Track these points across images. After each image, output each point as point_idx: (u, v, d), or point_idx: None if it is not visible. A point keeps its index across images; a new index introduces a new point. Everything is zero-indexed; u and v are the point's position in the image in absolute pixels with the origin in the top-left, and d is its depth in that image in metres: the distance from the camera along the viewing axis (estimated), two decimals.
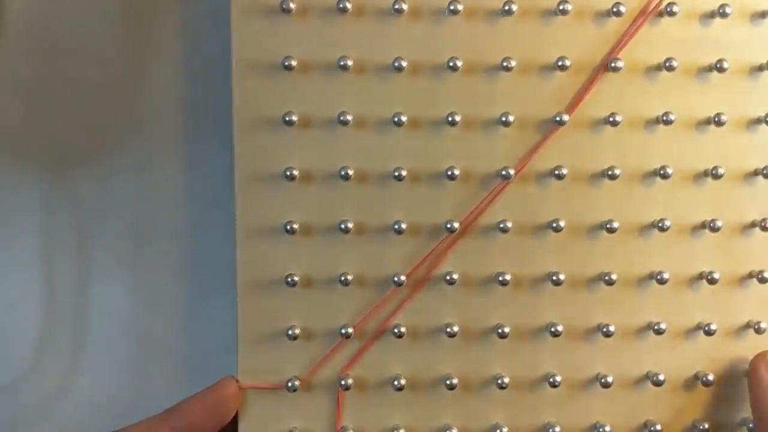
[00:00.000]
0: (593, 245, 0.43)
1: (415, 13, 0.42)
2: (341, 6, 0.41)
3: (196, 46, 0.46)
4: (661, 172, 0.43)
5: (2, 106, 0.46)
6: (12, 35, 0.46)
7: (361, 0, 0.41)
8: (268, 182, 0.42)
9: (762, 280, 0.43)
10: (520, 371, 0.43)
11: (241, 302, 0.42)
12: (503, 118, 0.42)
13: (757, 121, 0.43)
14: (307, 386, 0.43)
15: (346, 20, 0.42)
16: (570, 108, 0.42)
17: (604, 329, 0.43)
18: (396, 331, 0.42)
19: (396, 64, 0.41)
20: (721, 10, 0.42)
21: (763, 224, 0.43)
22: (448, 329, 0.42)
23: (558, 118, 0.42)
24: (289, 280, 0.42)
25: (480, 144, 0.43)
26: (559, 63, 0.42)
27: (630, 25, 0.42)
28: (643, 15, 0.42)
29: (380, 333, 0.43)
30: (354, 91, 0.42)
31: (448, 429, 0.43)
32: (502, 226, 0.42)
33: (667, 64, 0.42)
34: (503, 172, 0.42)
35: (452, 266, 0.43)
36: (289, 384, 0.42)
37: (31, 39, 0.46)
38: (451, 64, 0.41)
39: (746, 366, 0.43)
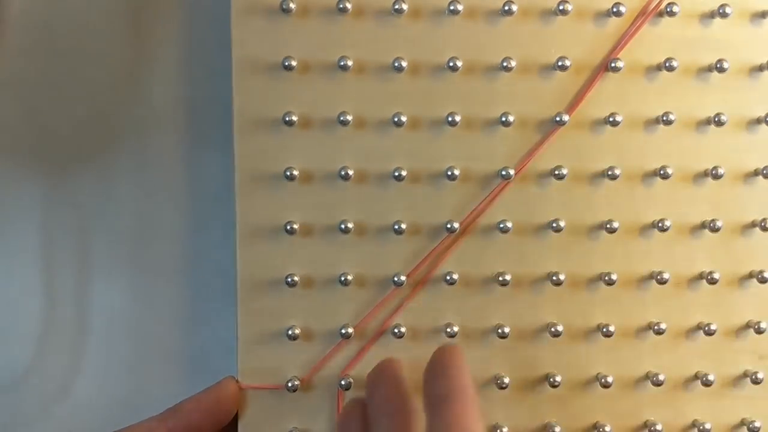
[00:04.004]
0: (593, 245, 0.43)
1: (415, 13, 0.42)
2: (341, 6, 0.41)
3: (196, 46, 0.46)
4: (661, 172, 0.43)
5: (2, 106, 0.46)
6: (12, 35, 0.46)
7: (361, 0, 0.41)
8: (268, 182, 0.42)
9: (762, 280, 0.43)
10: (519, 371, 0.43)
11: (241, 302, 0.42)
12: (503, 118, 0.42)
13: (757, 121, 0.43)
14: (307, 386, 0.43)
15: (346, 20, 0.42)
16: (570, 108, 0.43)
17: (604, 329, 0.43)
18: (396, 331, 0.42)
19: (396, 64, 0.41)
20: (721, 10, 0.42)
21: (763, 224, 0.43)
22: (448, 329, 0.42)
23: (558, 118, 0.42)
24: (289, 280, 0.42)
25: (480, 144, 0.43)
26: (559, 63, 0.42)
27: (630, 25, 0.42)
28: (643, 15, 0.42)
29: (380, 333, 0.43)
30: (354, 91, 0.42)
31: None
32: (502, 226, 0.42)
33: (667, 64, 0.42)
34: (503, 172, 0.42)
35: (452, 266, 0.43)
36: (289, 384, 0.42)
37: (31, 39, 0.46)
38: (451, 64, 0.41)
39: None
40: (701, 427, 0.43)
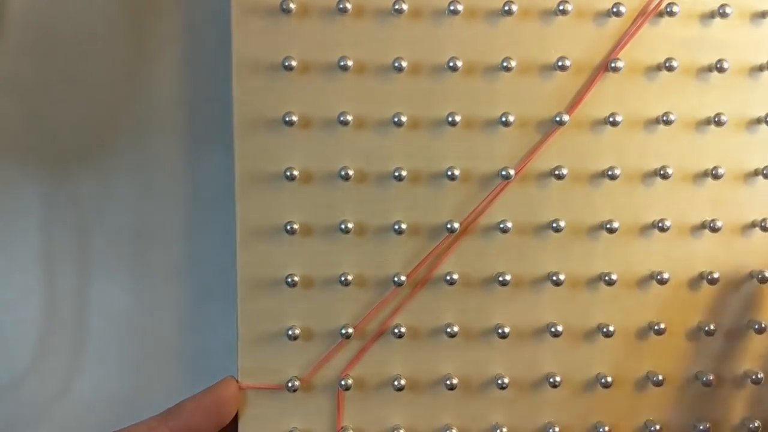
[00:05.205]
0: (593, 245, 0.43)
1: (415, 13, 0.42)
2: (341, 6, 0.41)
3: (196, 46, 0.46)
4: (661, 172, 0.43)
5: (2, 106, 0.46)
6: (12, 35, 0.46)
7: (361, 0, 0.41)
8: (268, 182, 0.42)
9: (762, 281, 0.43)
10: (520, 371, 0.43)
11: (241, 302, 0.42)
12: (503, 118, 0.42)
13: (757, 121, 0.43)
14: (307, 386, 0.43)
15: (346, 20, 0.42)
16: (570, 108, 0.43)
17: (604, 329, 0.43)
18: (396, 331, 0.42)
19: (396, 64, 0.41)
20: (721, 10, 0.42)
21: (763, 224, 0.43)
22: (449, 329, 0.42)
23: (558, 118, 0.42)
24: (289, 280, 0.42)
25: (480, 144, 0.43)
26: (559, 63, 0.42)
27: (630, 25, 0.42)
28: (643, 15, 0.42)
29: (380, 333, 0.43)
30: (354, 91, 0.42)
31: (448, 429, 0.43)
32: (502, 226, 0.42)
33: (667, 64, 0.42)
34: (503, 172, 0.42)
35: (452, 266, 0.43)
36: (289, 384, 0.42)
37: (31, 39, 0.46)
38: (451, 64, 0.41)
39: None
40: (701, 427, 0.43)
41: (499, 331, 0.43)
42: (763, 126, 0.43)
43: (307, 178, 0.42)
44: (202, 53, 0.46)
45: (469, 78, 0.42)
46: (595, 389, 0.43)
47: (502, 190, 0.43)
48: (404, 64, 0.41)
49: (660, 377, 0.43)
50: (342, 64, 0.41)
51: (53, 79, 0.46)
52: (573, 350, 0.43)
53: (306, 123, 0.42)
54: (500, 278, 0.42)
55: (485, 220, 0.43)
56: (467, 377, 0.43)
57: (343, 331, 0.42)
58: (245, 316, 0.42)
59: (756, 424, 0.43)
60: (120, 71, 0.46)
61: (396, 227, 0.42)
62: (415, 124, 0.42)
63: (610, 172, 0.42)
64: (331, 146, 0.42)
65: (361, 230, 0.42)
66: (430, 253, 0.43)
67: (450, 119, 0.42)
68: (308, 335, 0.43)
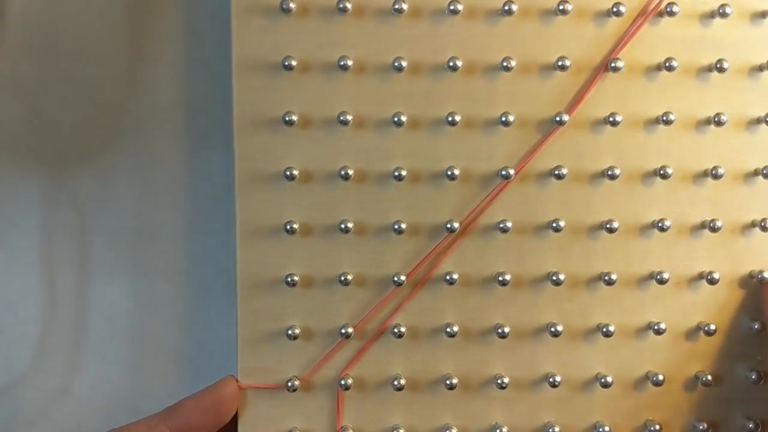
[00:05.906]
0: (593, 245, 0.43)
1: (415, 13, 0.42)
2: (341, 6, 0.41)
3: (196, 46, 0.46)
4: (661, 172, 0.43)
5: (2, 106, 0.46)
6: (12, 35, 0.46)
7: (361, 0, 0.41)
8: (268, 182, 0.42)
9: (762, 281, 0.43)
10: (520, 371, 0.43)
11: (241, 302, 0.42)
12: (503, 118, 0.42)
13: (757, 121, 0.43)
14: (307, 386, 0.43)
15: (346, 20, 0.42)
16: (570, 108, 0.43)
17: (604, 329, 0.43)
18: (396, 330, 0.42)
19: (396, 64, 0.41)
20: (721, 10, 0.42)
21: (763, 224, 0.43)
22: (448, 329, 0.42)
23: (558, 118, 0.42)
24: (289, 280, 0.42)
25: (480, 144, 0.43)
26: (559, 63, 0.42)
27: (630, 25, 0.42)
28: (643, 15, 0.42)
29: (380, 333, 0.43)
30: (354, 91, 0.42)
31: (448, 429, 0.43)
32: (502, 226, 0.42)
33: (667, 64, 0.42)
34: (503, 172, 0.42)
35: (452, 266, 0.43)
36: (289, 384, 0.42)
37: (31, 39, 0.46)
38: (451, 64, 0.41)
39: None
40: (701, 427, 0.43)
41: (499, 330, 0.43)
42: (763, 126, 0.43)
43: (307, 177, 0.42)
44: (202, 53, 0.46)
45: (468, 78, 0.42)
46: (594, 389, 0.43)
47: (501, 190, 0.43)
48: (404, 64, 0.41)
49: (660, 377, 0.43)
50: (342, 63, 0.41)
51: (53, 79, 0.46)
52: (573, 350, 0.43)
53: (306, 123, 0.42)
54: (500, 278, 0.42)
55: (485, 220, 0.43)
56: (467, 377, 0.43)
57: (343, 331, 0.42)
58: (245, 316, 0.42)
59: (755, 424, 0.43)
60: (120, 71, 0.46)
61: (396, 227, 0.42)
62: (415, 124, 0.42)
63: (610, 172, 0.42)
64: (331, 146, 0.42)
65: (360, 230, 0.42)
66: (429, 253, 0.43)
67: (450, 119, 0.42)
68: (308, 335, 0.43)
